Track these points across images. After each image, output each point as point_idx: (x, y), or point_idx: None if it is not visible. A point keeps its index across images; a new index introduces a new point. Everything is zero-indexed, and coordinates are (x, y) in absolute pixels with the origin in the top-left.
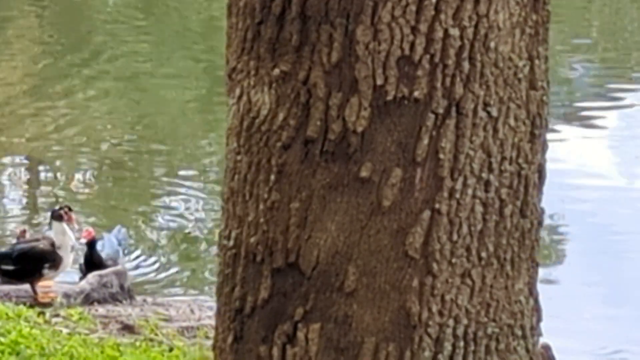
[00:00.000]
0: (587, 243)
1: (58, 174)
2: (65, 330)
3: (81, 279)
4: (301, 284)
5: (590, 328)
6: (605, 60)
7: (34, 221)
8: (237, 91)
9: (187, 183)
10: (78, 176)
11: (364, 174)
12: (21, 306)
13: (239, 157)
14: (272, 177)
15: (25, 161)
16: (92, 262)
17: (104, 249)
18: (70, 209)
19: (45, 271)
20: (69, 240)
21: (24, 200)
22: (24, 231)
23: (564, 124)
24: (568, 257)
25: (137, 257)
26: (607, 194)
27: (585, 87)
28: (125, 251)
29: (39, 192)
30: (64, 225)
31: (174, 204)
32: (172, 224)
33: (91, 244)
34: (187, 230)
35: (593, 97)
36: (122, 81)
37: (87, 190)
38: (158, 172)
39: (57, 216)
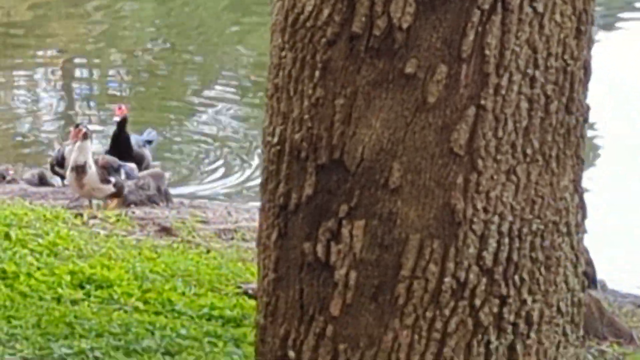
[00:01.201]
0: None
1: (94, 73)
2: (102, 232)
3: (107, 152)
4: (346, 180)
5: (627, 233)
6: None
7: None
8: None
9: (219, 87)
10: (113, 73)
11: (409, 70)
12: (59, 208)
13: (283, 53)
14: (317, 73)
15: (61, 61)
16: (119, 141)
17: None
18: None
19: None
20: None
21: (60, 96)
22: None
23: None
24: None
25: (171, 160)
26: None
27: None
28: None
29: (74, 89)
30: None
31: (206, 109)
32: (205, 129)
33: (122, 123)
34: (220, 134)
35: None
36: None
37: (119, 94)
38: (190, 77)
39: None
